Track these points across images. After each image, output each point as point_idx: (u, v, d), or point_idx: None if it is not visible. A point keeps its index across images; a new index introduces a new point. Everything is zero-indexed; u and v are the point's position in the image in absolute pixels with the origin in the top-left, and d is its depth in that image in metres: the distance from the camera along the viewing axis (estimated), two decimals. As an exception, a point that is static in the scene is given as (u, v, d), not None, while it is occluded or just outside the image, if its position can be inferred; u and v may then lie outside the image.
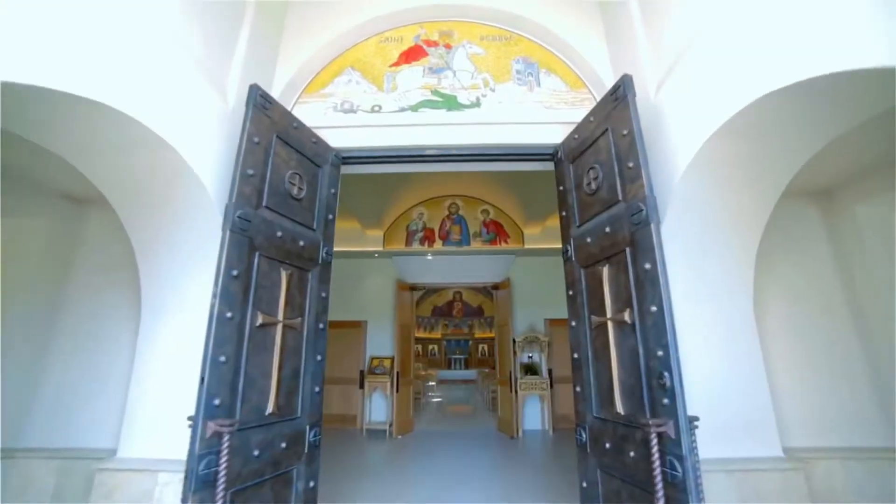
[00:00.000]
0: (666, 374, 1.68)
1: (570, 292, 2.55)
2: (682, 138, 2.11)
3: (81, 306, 3.01)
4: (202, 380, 1.76)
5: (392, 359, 7.55)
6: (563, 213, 2.74)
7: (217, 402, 1.78)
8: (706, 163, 2.00)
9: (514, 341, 7.30)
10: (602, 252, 2.25)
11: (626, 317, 1.98)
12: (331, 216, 2.79)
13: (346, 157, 3.05)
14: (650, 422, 1.63)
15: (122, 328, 2.90)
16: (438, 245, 7.92)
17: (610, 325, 2.12)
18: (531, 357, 7.64)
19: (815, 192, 3.15)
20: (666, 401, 1.66)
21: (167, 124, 2.00)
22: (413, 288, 8.08)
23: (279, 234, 2.27)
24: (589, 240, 2.37)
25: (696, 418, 1.67)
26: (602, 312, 2.20)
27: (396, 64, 3.36)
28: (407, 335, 7.73)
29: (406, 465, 5.48)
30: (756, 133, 1.88)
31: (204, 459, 1.68)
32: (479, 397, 13.21)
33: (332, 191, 2.85)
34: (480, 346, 24.47)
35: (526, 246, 7.91)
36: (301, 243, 2.44)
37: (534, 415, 7.57)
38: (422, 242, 7.94)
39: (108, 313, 2.95)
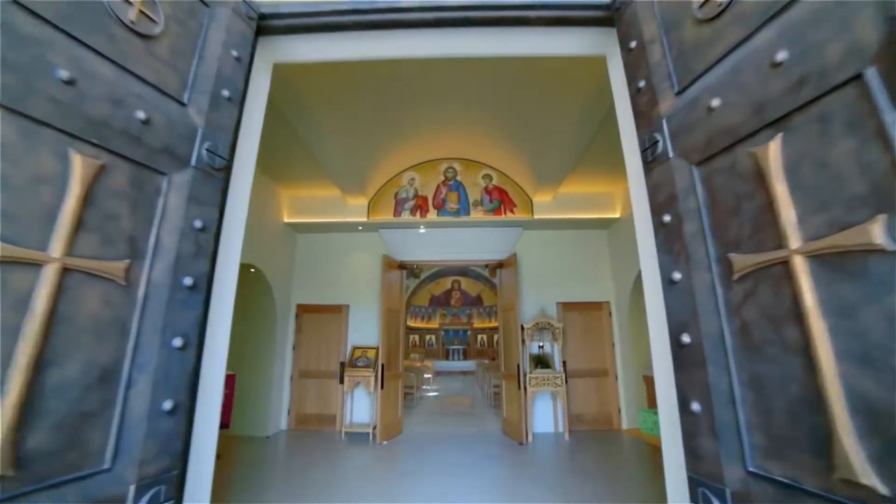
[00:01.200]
0: None
1: (666, 218, 1.33)
2: None
3: None
4: None
5: (377, 349, 6.38)
6: (640, 85, 1.52)
7: None
8: None
9: (522, 328, 6.11)
10: (760, 113, 1.02)
11: (879, 235, 0.77)
12: (227, 93, 1.55)
13: (270, 16, 1.82)
14: None
15: None
16: (432, 215, 6.71)
17: (801, 265, 0.91)
18: (542, 347, 6.46)
19: None
20: None
21: None
22: (402, 267, 6.87)
23: (62, 74, 1.05)
24: (716, 102, 1.15)
25: None
26: (764, 242, 0.99)
27: None
28: (395, 322, 6.54)
29: (385, 483, 4.31)
30: None
31: None
32: (479, 391, 12.09)
33: (235, 54, 1.62)
34: (479, 337, 23.42)
35: (535, 216, 6.70)
36: (141, 115, 1.21)
37: (545, 415, 6.42)
38: (413, 212, 6.73)
39: None
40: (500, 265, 6.83)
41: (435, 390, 12.46)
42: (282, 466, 4.80)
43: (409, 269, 6.95)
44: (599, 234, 7.21)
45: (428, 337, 23.47)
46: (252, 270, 6.03)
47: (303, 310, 7.08)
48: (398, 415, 6.32)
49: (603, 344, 6.84)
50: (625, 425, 6.48)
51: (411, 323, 23.43)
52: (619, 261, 6.76)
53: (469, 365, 19.86)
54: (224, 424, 5.11)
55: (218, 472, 4.42)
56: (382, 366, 5.89)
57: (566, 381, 6.14)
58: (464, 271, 22.81)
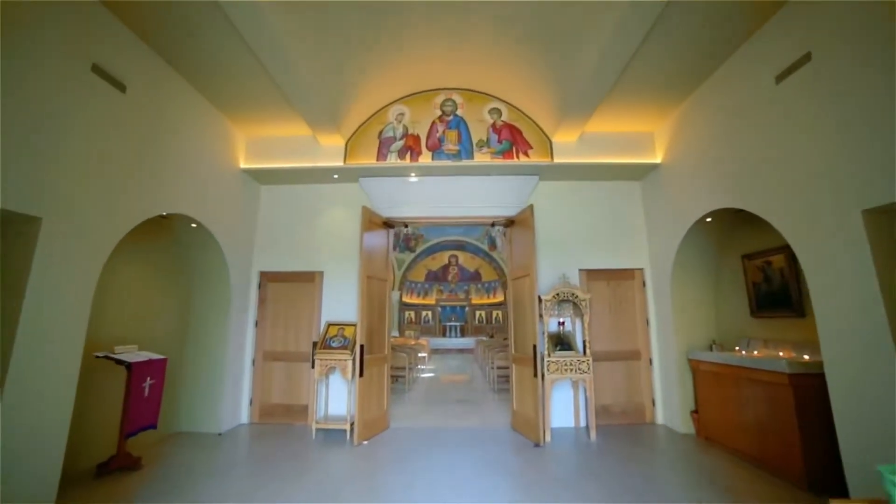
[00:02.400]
0: None
1: None
2: None
3: None
4: None
5: (356, 327, 5.08)
6: None
7: None
8: None
9: (539, 300, 4.79)
10: None
11: None
12: None
13: None
14: None
15: None
16: (426, 159, 5.32)
17: None
18: (562, 324, 5.16)
19: None
20: None
21: None
22: (389, 225, 5.49)
23: None
24: None
25: None
26: None
27: None
28: (379, 293, 5.21)
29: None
30: None
31: None
32: (480, 371, 10.93)
33: None
34: (478, 313, 22.36)
35: (556, 160, 5.31)
36: None
37: (564, 406, 5.19)
38: (401, 155, 5.34)
39: None
40: (510, 223, 5.46)
41: (430, 371, 11.29)
42: (217, 478, 3.54)
43: (395, 227, 5.58)
44: (631, 188, 5.83)
45: (424, 313, 22.39)
46: (193, 226, 4.64)
47: (267, 278, 5.73)
48: (383, 407, 5.06)
49: (634, 320, 5.56)
50: (660, 419, 5.26)
51: (407, 299, 22.31)
52: (657, 218, 5.40)
53: (467, 342, 18.79)
54: (149, 425, 3.82)
55: (130, 485, 2.91)
56: (362, 347, 4.59)
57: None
58: (462, 245, 21.64)
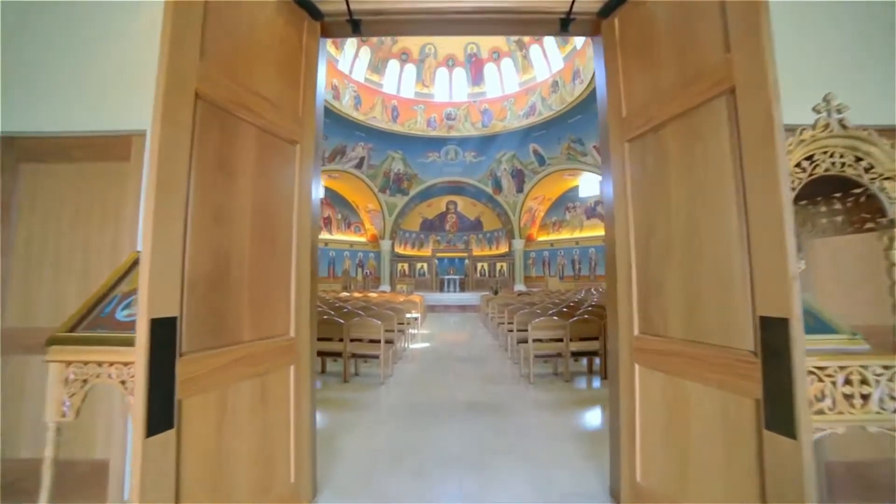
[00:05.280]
0: None
1: None
2: None
3: None
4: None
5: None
6: None
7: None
8: None
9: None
10: None
11: None
12: None
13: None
14: None
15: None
16: None
17: None
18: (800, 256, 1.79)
19: None
20: None
21: None
22: (324, 25, 1.98)
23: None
24: None
25: None
26: None
27: None
28: (262, 160, 1.78)
29: None
30: None
31: None
32: (492, 339, 7.78)
33: None
34: (480, 265, 19.18)
35: None
36: None
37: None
38: None
39: None
40: (616, 3, 1.96)
41: (425, 337, 8.13)
42: None
43: (330, 24, 2.02)
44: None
45: (419, 265, 19.19)
46: None
47: (22, 153, 2.27)
48: (289, 478, 1.80)
49: (907, 255, 2.22)
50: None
51: (399, 249, 19.05)
52: None
53: (469, 297, 15.64)
54: None
55: None
56: (158, 325, 1.24)
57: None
58: (461, 188, 18.07)
